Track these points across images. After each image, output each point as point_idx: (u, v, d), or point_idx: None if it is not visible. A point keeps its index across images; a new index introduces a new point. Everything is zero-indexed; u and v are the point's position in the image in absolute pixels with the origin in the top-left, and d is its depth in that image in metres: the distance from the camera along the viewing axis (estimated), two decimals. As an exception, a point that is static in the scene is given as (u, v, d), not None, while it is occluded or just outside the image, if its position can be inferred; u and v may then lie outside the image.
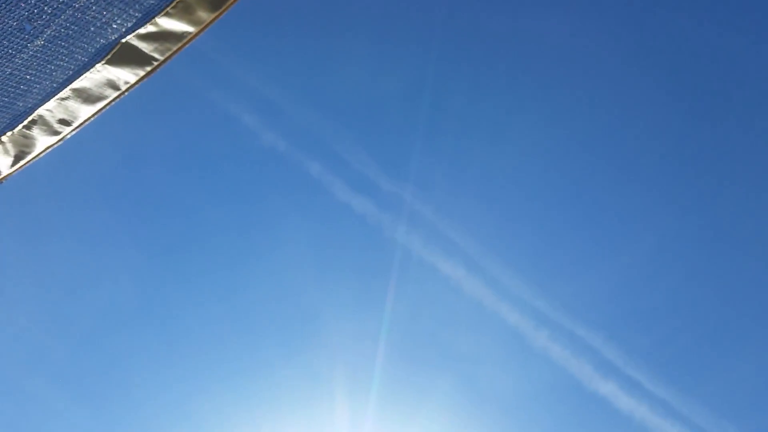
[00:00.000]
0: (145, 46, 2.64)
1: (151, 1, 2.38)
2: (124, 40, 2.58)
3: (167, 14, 2.43)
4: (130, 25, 2.40)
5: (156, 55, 2.69)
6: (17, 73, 2.28)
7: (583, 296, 12.19)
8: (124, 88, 2.77)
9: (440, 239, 11.96)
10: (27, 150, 2.63)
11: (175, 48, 2.75)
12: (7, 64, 2.19)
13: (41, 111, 2.52)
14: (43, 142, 2.64)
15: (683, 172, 11.56)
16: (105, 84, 2.68)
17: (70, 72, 2.55)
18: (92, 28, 2.43)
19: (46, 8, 2.15)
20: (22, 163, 2.65)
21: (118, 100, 2.85)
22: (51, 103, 2.53)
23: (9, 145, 2.56)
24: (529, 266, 12.33)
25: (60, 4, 2.17)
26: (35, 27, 2.24)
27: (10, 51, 2.15)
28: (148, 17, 2.42)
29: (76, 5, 2.20)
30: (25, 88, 2.37)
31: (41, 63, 2.33)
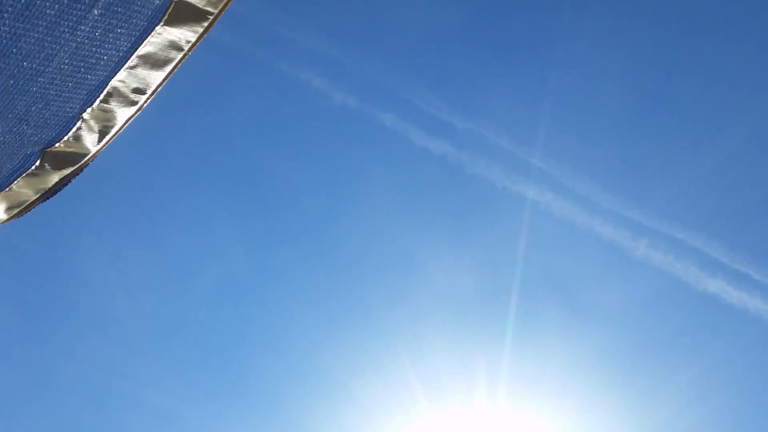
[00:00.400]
0: (197, 0, 2.60)
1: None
2: (176, -3, 2.54)
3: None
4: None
5: (210, 9, 2.65)
6: (83, 45, 2.30)
7: (678, 199, 11.53)
8: (186, 48, 2.76)
9: (522, 166, 11.59)
10: (109, 124, 2.69)
11: (226, -3, 2.69)
12: (71, 38, 2.21)
13: (114, 83, 2.55)
14: (122, 114, 2.69)
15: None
16: (168, 46, 2.68)
17: (133, 38, 2.55)
18: (144, -11, 2.40)
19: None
20: (107, 138, 2.72)
21: (184, 61, 2.84)
22: (121, 74, 2.56)
23: (92, 122, 2.63)
24: (616, 178, 11.77)
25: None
26: (90, -5, 2.24)
27: (71, 23, 2.17)
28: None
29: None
30: (93, 60, 2.39)
31: (103, 32, 2.34)
